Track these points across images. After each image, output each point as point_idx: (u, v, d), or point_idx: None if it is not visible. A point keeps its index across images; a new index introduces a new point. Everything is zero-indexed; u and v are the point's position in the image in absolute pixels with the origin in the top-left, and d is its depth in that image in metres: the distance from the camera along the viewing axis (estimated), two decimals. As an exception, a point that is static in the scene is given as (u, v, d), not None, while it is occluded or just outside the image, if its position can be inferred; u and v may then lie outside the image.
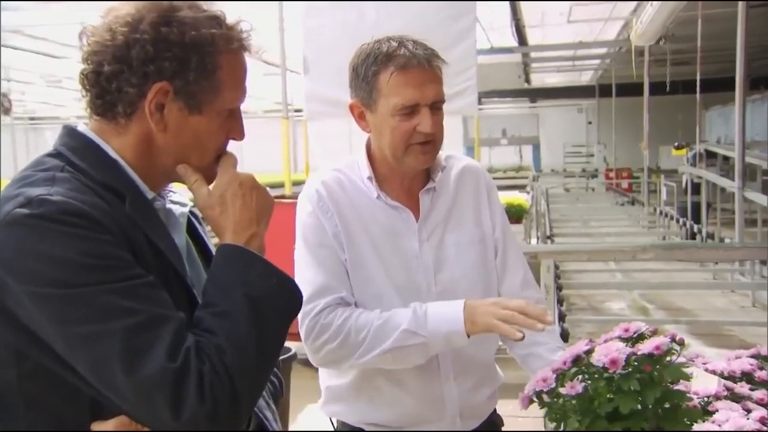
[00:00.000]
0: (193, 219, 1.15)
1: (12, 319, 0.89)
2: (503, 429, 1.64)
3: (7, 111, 11.91)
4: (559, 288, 5.44)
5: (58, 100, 18.04)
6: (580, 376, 1.00)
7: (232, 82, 1.02)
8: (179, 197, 1.12)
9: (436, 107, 1.41)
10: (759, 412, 1.08)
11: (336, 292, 1.40)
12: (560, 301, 5.21)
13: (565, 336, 4.52)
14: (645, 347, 0.99)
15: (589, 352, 1.03)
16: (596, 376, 0.98)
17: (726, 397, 1.09)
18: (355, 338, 1.36)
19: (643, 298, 6.90)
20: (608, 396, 0.96)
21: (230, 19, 1.02)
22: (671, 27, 8.34)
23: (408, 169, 1.47)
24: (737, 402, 1.09)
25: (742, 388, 1.17)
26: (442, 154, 1.52)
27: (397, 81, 1.38)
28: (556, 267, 5.75)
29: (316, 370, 1.59)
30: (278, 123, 6.01)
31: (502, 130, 19.63)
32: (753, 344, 1.35)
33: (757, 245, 5.78)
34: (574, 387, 0.98)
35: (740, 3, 5.66)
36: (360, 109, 1.45)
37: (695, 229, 8.07)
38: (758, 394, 1.15)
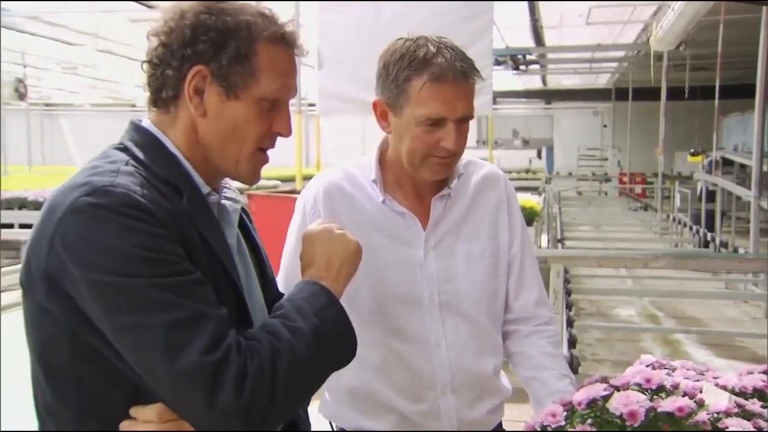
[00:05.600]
0: (244, 216, 1.18)
1: (69, 301, 0.93)
2: None
3: (22, 96, 12.01)
4: (568, 293, 5.40)
5: (73, 87, 18.16)
6: (590, 420, 0.97)
7: (270, 72, 1.03)
8: (233, 194, 1.15)
9: (463, 122, 1.35)
10: (771, 431, 1.05)
11: None
12: (569, 306, 5.16)
13: (572, 342, 4.48)
14: (667, 405, 0.95)
15: (606, 398, 0.99)
16: (608, 421, 0.95)
17: (737, 414, 1.06)
18: None
19: (653, 305, 6.84)
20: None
21: (277, 16, 1.06)
22: (692, 32, 8.24)
23: (421, 179, 1.42)
24: (748, 419, 1.05)
25: (754, 405, 1.13)
26: (462, 159, 1.47)
27: (428, 92, 1.31)
28: (566, 271, 5.70)
29: None
30: (292, 116, 6.00)
31: (513, 130, 19.48)
32: (764, 356, 1.31)
33: (771, 256, 5.70)
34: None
35: (764, 8, 5.58)
36: (383, 109, 1.39)
37: (708, 238, 7.99)
38: (770, 412, 1.12)
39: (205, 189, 1.05)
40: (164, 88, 1.02)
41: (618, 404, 0.95)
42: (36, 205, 7.58)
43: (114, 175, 0.96)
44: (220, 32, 1.00)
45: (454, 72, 1.31)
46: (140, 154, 1.01)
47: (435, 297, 1.43)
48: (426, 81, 1.31)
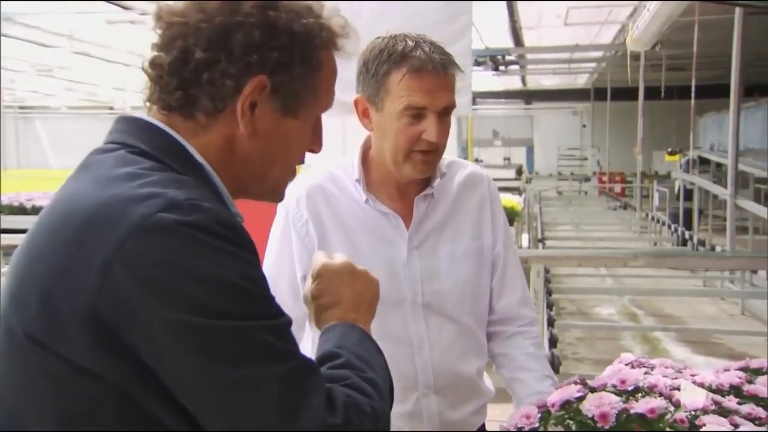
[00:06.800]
0: None
1: (125, 351, 0.71)
2: None
3: (-4, 99, 11.84)
4: (548, 292, 5.43)
5: (48, 90, 17.91)
6: (565, 422, 0.98)
7: (329, 84, 0.88)
8: None
9: (444, 115, 1.35)
10: (747, 427, 1.06)
11: None
12: (549, 306, 5.19)
13: (553, 341, 4.51)
14: (639, 407, 0.96)
15: (580, 399, 0.99)
16: (582, 423, 0.96)
17: (714, 411, 1.07)
18: None
19: (633, 303, 6.91)
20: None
21: (327, 13, 0.87)
22: (667, 32, 8.34)
23: (405, 177, 1.41)
24: (725, 416, 1.06)
25: (731, 402, 1.14)
26: (445, 159, 1.47)
27: (408, 83, 1.31)
28: (547, 271, 5.74)
29: None
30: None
31: (493, 131, 19.46)
32: (741, 353, 1.33)
33: (748, 254, 5.79)
34: None
35: (737, 10, 5.66)
36: (365, 106, 1.38)
37: (686, 236, 8.10)
38: (746, 408, 1.13)
39: (234, 209, 0.85)
40: (206, 98, 0.80)
41: (591, 406, 0.97)
42: (11, 209, 7.42)
43: (179, 185, 0.75)
44: (293, 37, 0.81)
45: (434, 64, 1.31)
46: (170, 162, 0.80)
47: (418, 298, 1.42)
48: (405, 72, 1.31)
